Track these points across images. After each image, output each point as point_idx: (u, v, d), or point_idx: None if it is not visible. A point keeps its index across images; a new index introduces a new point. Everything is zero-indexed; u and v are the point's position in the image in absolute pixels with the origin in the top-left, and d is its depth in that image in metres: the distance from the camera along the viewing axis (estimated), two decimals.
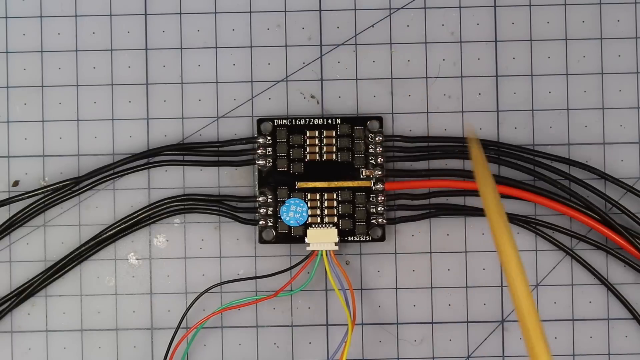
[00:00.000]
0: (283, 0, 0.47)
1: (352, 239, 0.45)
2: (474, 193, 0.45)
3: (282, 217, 0.45)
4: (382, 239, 0.45)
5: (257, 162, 0.45)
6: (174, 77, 0.47)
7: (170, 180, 0.46)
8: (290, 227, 0.45)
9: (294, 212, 0.45)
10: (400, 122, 0.46)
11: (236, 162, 0.46)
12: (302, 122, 0.46)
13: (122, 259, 0.46)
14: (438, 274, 0.46)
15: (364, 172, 0.45)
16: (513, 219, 0.46)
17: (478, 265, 0.46)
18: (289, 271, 0.45)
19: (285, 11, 0.47)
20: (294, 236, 0.45)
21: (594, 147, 0.46)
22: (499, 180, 0.45)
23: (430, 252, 0.46)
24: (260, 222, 0.45)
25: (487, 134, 0.46)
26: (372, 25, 0.47)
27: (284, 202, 0.45)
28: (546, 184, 0.45)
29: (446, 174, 0.46)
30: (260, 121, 0.46)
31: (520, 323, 0.33)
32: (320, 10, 0.47)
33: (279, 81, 0.47)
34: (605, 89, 0.47)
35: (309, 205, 0.45)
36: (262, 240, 0.46)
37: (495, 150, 0.45)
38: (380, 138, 0.45)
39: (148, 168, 0.46)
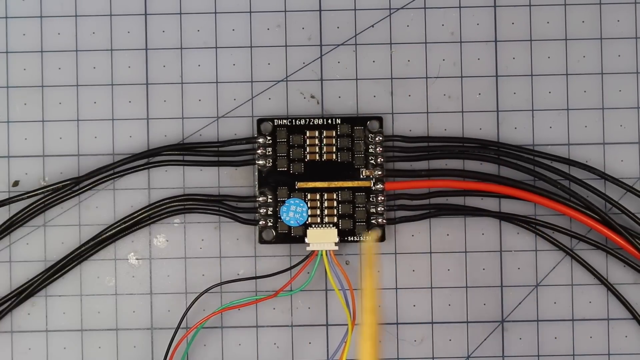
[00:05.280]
0: (283, 0, 0.47)
1: (352, 239, 0.45)
2: (474, 193, 0.46)
3: (282, 217, 0.45)
4: (382, 239, 0.45)
5: (257, 162, 0.45)
6: (174, 77, 0.47)
7: (170, 180, 0.46)
8: (290, 227, 0.45)
9: (294, 212, 0.45)
10: (400, 122, 0.46)
11: (236, 162, 0.46)
12: (302, 122, 0.46)
13: (122, 259, 0.46)
14: (438, 274, 0.46)
15: (364, 172, 0.45)
16: (513, 219, 0.46)
17: (478, 265, 0.46)
18: (289, 271, 0.45)
19: (285, 11, 0.47)
20: (294, 236, 0.45)
21: (594, 147, 0.46)
22: (499, 180, 0.45)
23: (430, 252, 0.46)
24: (260, 222, 0.45)
25: (487, 134, 0.46)
26: (372, 25, 0.47)
27: (284, 202, 0.45)
28: (546, 184, 0.45)
29: (446, 174, 0.46)
30: (260, 121, 0.46)
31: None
32: (320, 10, 0.47)
33: (279, 81, 0.47)
34: (605, 89, 0.47)
35: (309, 205, 0.45)
36: (262, 240, 0.46)
37: (495, 150, 0.45)
38: (380, 138, 0.45)
39: (148, 168, 0.46)
